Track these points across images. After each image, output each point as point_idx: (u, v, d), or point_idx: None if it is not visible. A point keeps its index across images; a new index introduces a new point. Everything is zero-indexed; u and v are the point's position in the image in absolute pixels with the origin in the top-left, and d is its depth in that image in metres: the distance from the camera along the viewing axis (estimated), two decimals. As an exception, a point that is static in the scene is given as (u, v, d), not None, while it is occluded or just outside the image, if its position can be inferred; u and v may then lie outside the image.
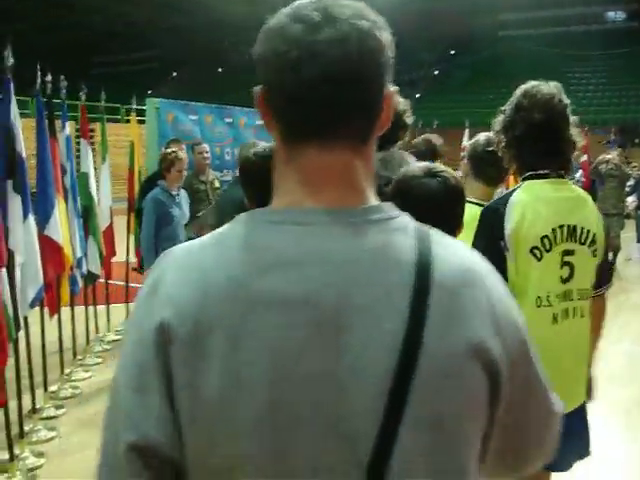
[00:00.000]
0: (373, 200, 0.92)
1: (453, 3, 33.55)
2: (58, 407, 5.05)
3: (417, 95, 43.85)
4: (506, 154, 2.46)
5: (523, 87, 2.41)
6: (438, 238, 0.93)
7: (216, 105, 8.42)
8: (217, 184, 7.55)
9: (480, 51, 39.03)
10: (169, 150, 5.98)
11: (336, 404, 0.82)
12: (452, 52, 43.50)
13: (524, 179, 2.39)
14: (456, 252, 0.93)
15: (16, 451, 4.13)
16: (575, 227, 2.31)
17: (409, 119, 3.09)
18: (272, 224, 0.88)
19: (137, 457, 0.84)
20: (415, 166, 2.09)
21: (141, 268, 6.85)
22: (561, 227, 2.28)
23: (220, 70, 46.11)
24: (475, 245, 2.19)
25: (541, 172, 2.34)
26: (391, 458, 0.82)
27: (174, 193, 5.89)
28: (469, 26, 37.56)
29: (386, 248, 0.87)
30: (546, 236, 2.25)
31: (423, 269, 0.86)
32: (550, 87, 2.38)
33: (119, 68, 44.62)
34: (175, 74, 45.74)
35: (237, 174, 4.46)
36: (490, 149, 2.77)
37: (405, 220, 0.93)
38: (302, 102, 0.88)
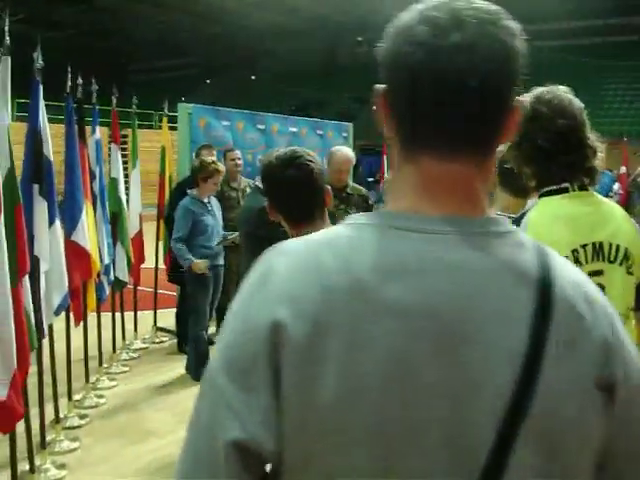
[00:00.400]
0: (491, 212, 0.91)
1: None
2: (82, 417, 4.94)
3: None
4: (524, 169, 2.16)
5: (533, 94, 2.12)
6: (553, 253, 0.92)
7: (249, 111, 8.31)
8: (249, 191, 7.44)
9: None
10: (209, 159, 5.84)
11: (452, 417, 0.80)
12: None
13: (540, 196, 2.12)
14: (569, 267, 0.93)
15: (37, 462, 4.03)
16: (602, 244, 2.05)
17: None
18: (393, 230, 0.85)
19: (238, 457, 0.80)
20: None
21: (170, 276, 6.77)
22: (584, 247, 2.02)
23: (254, 78, 46.27)
24: None
25: (557, 187, 2.08)
26: (503, 477, 0.79)
27: (205, 201, 5.78)
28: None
29: (509, 261, 0.86)
30: None
31: (545, 284, 0.85)
32: (561, 90, 2.12)
33: (154, 75, 44.92)
34: (209, 81, 45.97)
35: (257, 183, 4.39)
36: None
37: (522, 234, 0.92)
38: (422, 109, 0.85)
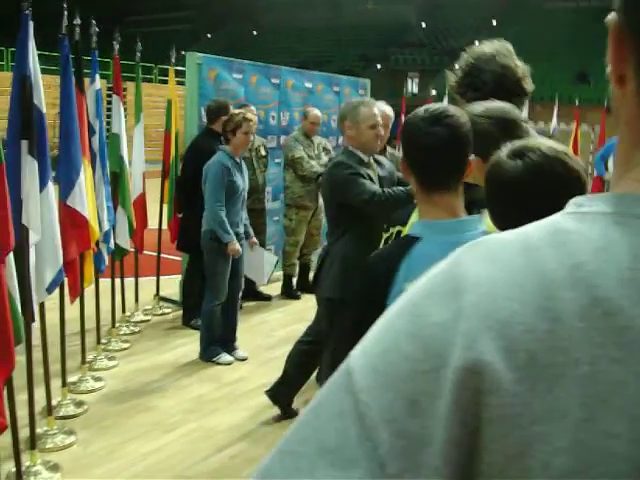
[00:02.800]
0: None
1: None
2: (78, 404, 4.38)
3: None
4: None
5: None
6: None
7: (263, 64, 7.65)
8: (263, 152, 6.83)
9: (524, 23, 37.68)
10: (236, 111, 5.28)
11: None
12: (494, 23, 42.14)
13: None
14: None
15: (25, 462, 3.48)
16: None
17: (529, 85, 2.62)
18: (635, 219, 0.56)
19: None
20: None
21: (181, 243, 6.17)
22: None
23: (255, 33, 45.27)
24: None
25: None
26: None
27: (238, 160, 5.17)
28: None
29: None
30: None
31: None
32: None
33: (151, 29, 43.79)
34: (209, 36, 44.94)
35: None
36: None
37: None
38: None
